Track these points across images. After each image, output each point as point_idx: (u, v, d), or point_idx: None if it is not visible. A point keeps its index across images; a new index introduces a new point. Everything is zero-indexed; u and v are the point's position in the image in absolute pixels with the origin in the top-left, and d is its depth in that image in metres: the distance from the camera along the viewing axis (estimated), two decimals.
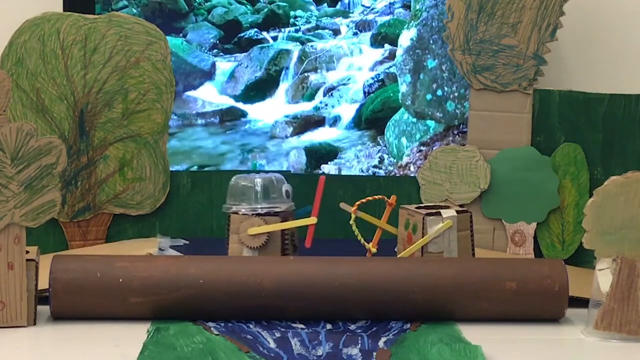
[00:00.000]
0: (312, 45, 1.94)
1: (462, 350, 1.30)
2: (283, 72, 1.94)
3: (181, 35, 1.92)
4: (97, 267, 1.43)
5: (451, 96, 1.91)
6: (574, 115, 1.83)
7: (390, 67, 1.93)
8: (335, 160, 1.94)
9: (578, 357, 1.37)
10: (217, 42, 1.93)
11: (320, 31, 1.94)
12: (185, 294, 1.42)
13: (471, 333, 1.39)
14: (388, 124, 1.93)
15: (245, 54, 1.93)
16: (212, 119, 1.93)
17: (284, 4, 1.93)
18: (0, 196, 1.39)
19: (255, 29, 1.93)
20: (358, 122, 1.94)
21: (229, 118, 1.94)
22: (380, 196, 1.64)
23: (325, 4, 1.94)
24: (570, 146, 1.83)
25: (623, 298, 1.40)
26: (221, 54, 1.93)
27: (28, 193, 1.40)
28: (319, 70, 1.94)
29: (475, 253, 1.62)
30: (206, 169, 1.90)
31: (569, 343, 1.40)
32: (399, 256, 1.58)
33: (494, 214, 1.83)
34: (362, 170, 1.93)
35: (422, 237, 1.55)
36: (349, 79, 1.94)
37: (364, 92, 1.94)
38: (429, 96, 1.92)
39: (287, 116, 1.94)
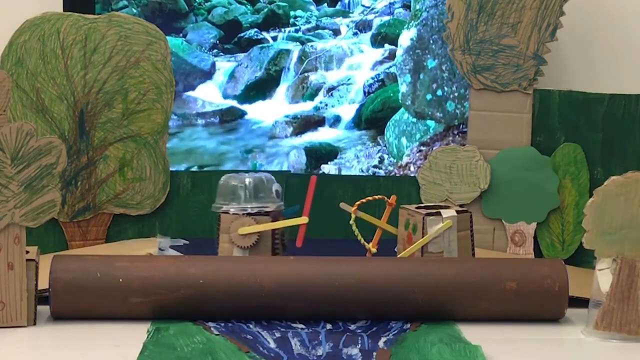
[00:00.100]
0: (312, 45, 1.94)
1: (462, 350, 1.30)
2: (283, 72, 1.94)
3: (181, 35, 1.92)
4: (97, 267, 1.43)
5: (451, 96, 1.91)
6: (574, 115, 1.83)
7: (390, 67, 1.93)
8: (335, 160, 1.94)
9: (578, 357, 1.37)
10: (217, 42, 1.93)
11: (320, 31, 1.94)
12: (185, 294, 1.42)
13: (471, 333, 1.39)
14: (388, 124, 1.93)
15: (245, 54, 1.93)
16: (212, 119, 1.93)
17: (284, 4, 1.93)
18: (0, 196, 1.39)
19: (255, 29, 1.93)
20: (358, 122, 1.94)
21: (229, 118, 1.94)
22: (380, 196, 1.64)
23: (325, 4, 1.94)
24: (570, 146, 1.83)
25: (623, 298, 1.40)
26: (221, 54, 1.93)
27: (28, 193, 1.40)
28: (319, 70, 1.94)
29: (475, 253, 1.62)
30: (206, 169, 1.90)
31: (569, 343, 1.40)
32: (399, 256, 1.58)
33: (494, 214, 1.83)
34: (362, 170, 1.93)
35: (422, 237, 1.55)
36: (349, 79, 1.94)
37: (364, 92, 1.94)
38: (429, 96, 1.92)
39: (287, 116, 1.94)
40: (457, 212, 1.58)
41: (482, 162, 1.82)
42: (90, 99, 1.78)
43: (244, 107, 1.94)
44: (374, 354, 1.30)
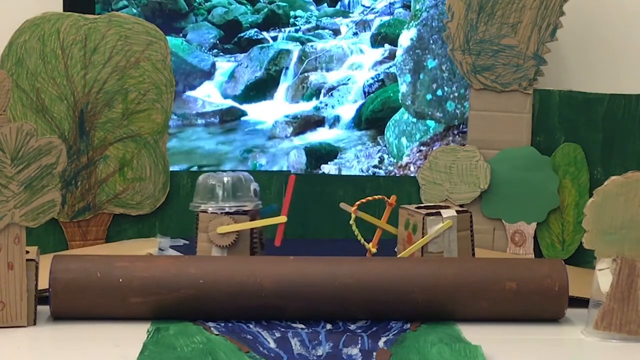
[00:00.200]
0: (312, 45, 1.94)
1: (462, 350, 1.30)
2: (283, 72, 1.94)
3: (181, 35, 1.92)
4: (97, 267, 1.43)
5: (451, 96, 1.91)
6: (574, 115, 1.83)
7: (390, 67, 1.93)
8: (335, 160, 1.94)
9: (578, 357, 1.37)
10: (217, 42, 1.93)
11: (320, 31, 1.94)
12: (185, 294, 1.42)
13: (471, 333, 1.39)
14: (388, 124, 1.93)
15: (245, 54, 1.93)
16: (212, 119, 1.93)
17: (284, 4, 1.93)
18: (0, 196, 1.39)
19: (255, 29, 1.93)
20: (358, 122, 1.94)
21: (229, 118, 1.94)
22: (380, 196, 1.64)
23: (325, 4, 1.94)
24: (570, 146, 1.83)
25: (623, 298, 1.40)
26: (221, 54, 1.93)
27: (28, 193, 1.40)
28: (319, 70, 1.94)
29: (475, 253, 1.62)
30: (206, 169, 1.90)
31: (569, 343, 1.40)
32: (399, 256, 1.58)
33: (494, 214, 1.83)
34: (362, 170, 1.93)
35: (422, 237, 1.55)
36: (349, 79, 1.94)
37: (364, 92, 1.94)
38: (429, 96, 1.92)
39: (287, 116, 1.94)
40: (457, 212, 1.58)
41: (482, 162, 1.82)
42: (90, 99, 1.78)
43: (244, 107, 1.94)
44: (374, 354, 1.30)
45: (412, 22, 1.92)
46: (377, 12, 1.94)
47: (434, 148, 1.88)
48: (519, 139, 1.84)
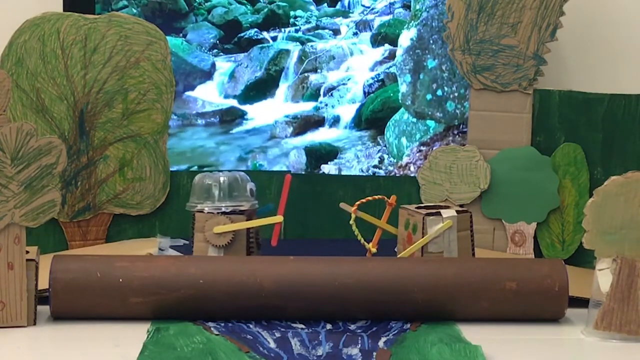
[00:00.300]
0: (312, 45, 1.94)
1: (462, 350, 1.30)
2: (283, 72, 1.94)
3: (181, 35, 1.92)
4: (97, 267, 1.43)
5: (451, 96, 1.91)
6: (574, 115, 1.83)
7: (390, 67, 1.93)
8: (335, 160, 1.94)
9: (578, 357, 1.37)
10: (217, 42, 1.93)
11: (320, 31, 1.94)
12: (185, 294, 1.42)
13: (471, 333, 1.39)
14: (388, 124, 1.93)
15: (245, 54, 1.93)
16: (212, 119, 1.93)
17: (284, 4, 1.93)
18: (0, 196, 1.39)
19: (255, 29, 1.93)
20: (358, 122, 1.94)
21: (229, 118, 1.94)
22: (380, 196, 1.64)
23: (325, 4, 1.94)
24: (570, 146, 1.83)
25: (623, 298, 1.40)
26: (221, 54, 1.93)
27: (28, 193, 1.40)
28: (319, 70, 1.94)
29: (475, 253, 1.62)
30: (206, 169, 1.90)
31: (569, 343, 1.40)
32: (399, 256, 1.58)
33: (494, 214, 1.83)
34: (362, 170, 1.93)
35: (422, 237, 1.55)
36: (349, 79, 1.94)
37: (364, 92, 1.94)
38: (429, 96, 1.92)
39: (287, 116, 1.94)
40: (457, 212, 1.58)
41: (482, 162, 1.82)
42: (90, 99, 1.78)
43: (244, 107, 1.94)
44: (374, 354, 1.30)
45: (412, 22, 1.92)
46: (377, 12, 1.94)
47: (434, 148, 1.88)
48: (519, 139, 1.84)
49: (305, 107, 1.94)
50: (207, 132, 1.93)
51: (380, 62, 1.94)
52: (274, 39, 1.94)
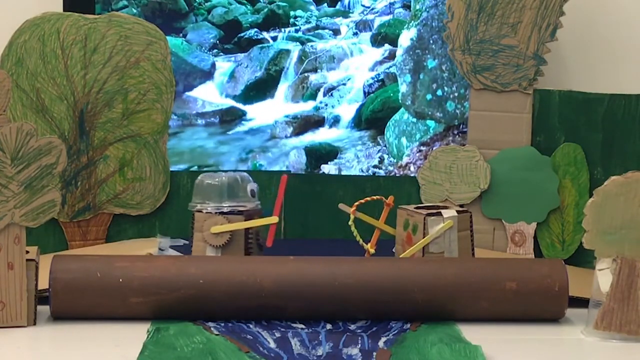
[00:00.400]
0: (312, 45, 1.94)
1: (462, 350, 1.30)
2: (283, 72, 1.94)
3: (181, 35, 1.92)
4: (97, 267, 1.43)
5: (451, 96, 1.91)
6: (574, 115, 1.83)
7: (390, 67, 1.93)
8: (335, 160, 1.94)
9: (578, 357, 1.37)
10: (217, 42, 1.93)
11: (320, 31, 1.94)
12: (185, 294, 1.42)
13: (471, 333, 1.39)
14: (388, 124, 1.93)
15: (245, 54, 1.93)
16: (212, 119, 1.93)
17: (284, 4, 1.93)
18: (0, 196, 1.39)
19: (255, 29, 1.93)
20: (358, 122, 1.94)
21: (229, 118, 1.94)
22: (378, 197, 1.64)
23: (325, 4, 1.94)
24: (570, 146, 1.83)
25: (623, 298, 1.40)
26: (221, 54, 1.93)
27: (28, 193, 1.40)
28: (319, 70, 1.94)
29: (476, 253, 1.62)
30: (206, 169, 1.90)
31: (569, 343, 1.40)
32: (401, 256, 1.58)
33: (494, 214, 1.83)
34: (362, 170, 1.93)
35: (423, 237, 1.55)
36: (349, 79, 1.94)
37: (364, 92, 1.94)
38: (429, 96, 1.92)
39: (287, 116, 1.94)
40: (458, 212, 1.58)
41: (482, 162, 1.82)
42: (90, 99, 1.78)
43: (244, 107, 1.94)
44: (374, 354, 1.30)
45: (412, 22, 1.92)
46: (377, 12, 1.94)
47: (434, 148, 1.88)
48: (519, 139, 1.84)
49: (305, 107, 1.94)
50: (207, 132, 1.93)
51: (380, 62, 1.94)
52: (274, 39, 1.94)
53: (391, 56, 1.93)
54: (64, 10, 1.81)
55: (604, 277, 1.41)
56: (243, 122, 1.93)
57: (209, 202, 1.59)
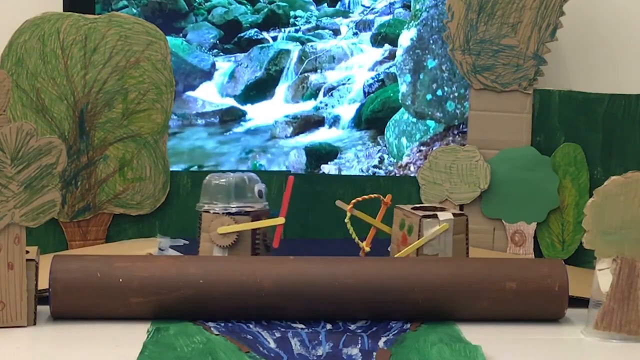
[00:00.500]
0: (312, 45, 1.94)
1: (462, 350, 1.30)
2: (283, 72, 1.94)
3: (181, 35, 1.92)
4: (97, 267, 1.43)
5: (451, 96, 1.91)
6: (574, 115, 1.83)
7: (390, 67, 1.93)
8: (335, 160, 1.94)
9: (578, 357, 1.37)
10: (217, 42, 1.93)
11: (320, 31, 1.94)
12: (185, 294, 1.42)
13: (471, 333, 1.39)
14: (388, 124, 1.93)
15: (245, 54, 1.93)
16: (212, 119, 1.93)
17: (284, 4, 1.93)
18: (0, 196, 1.39)
19: (255, 29, 1.93)
20: (358, 122, 1.94)
21: (229, 118, 1.94)
22: (375, 195, 1.64)
23: (325, 4, 1.94)
24: (570, 146, 1.83)
25: (623, 298, 1.40)
26: (221, 54, 1.93)
27: (28, 193, 1.40)
28: (319, 70, 1.94)
29: (475, 253, 1.62)
30: (206, 169, 1.90)
31: (569, 343, 1.40)
32: (395, 256, 1.57)
33: (494, 214, 1.83)
34: (362, 170, 1.93)
35: (418, 238, 1.55)
36: (349, 79, 1.95)
37: (364, 92, 1.94)
38: (429, 96, 1.92)
39: (287, 116, 1.94)
40: (454, 215, 1.57)
41: (482, 162, 1.82)
42: (90, 99, 1.78)
43: (244, 107, 1.94)
44: (374, 354, 1.30)
45: (412, 22, 1.92)
46: (377, 12, 1.94)
47: (434, 148, 1.88)
48: (519, 139, 1.84)
49: (305, 107, 1.94)
50: (207, 132, 1.93)
51: (380, 62, 1.94)
52: (274, 39, 1.94)
53: (391, 56, 1.93)
54: (64, 10, 1.81)
55: (604, 277, 1.41)
56: (243, 122, 1.93)
57: (216, 203, 1.59)
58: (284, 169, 1.91)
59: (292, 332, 1.38)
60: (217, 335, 1.36)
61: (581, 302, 1.48)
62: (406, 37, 1.92)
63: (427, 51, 1.91)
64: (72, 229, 1.80)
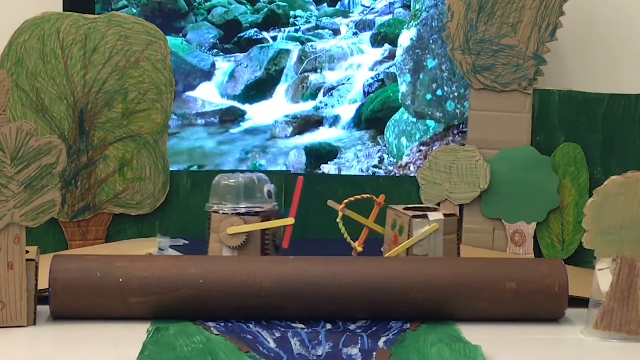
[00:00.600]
0: (312, 45, 1.94)
1: (462, 350, 1.30)
2: (283, 72, 1.94)
3: (181, 35, 1.92)
4: (97, 267, 1.43)
5: (451, 96, 1.91)
6: (574, 115, 1.83)
7: (390, 67, 1.93)
8: (335, 160, 1.94)
9: (578, 357, 1.37)
10: (217, 42, 1.93)
11: (320, 31, 1.94)
12: (185, 294, 1.42)
13: (471, 333, 1.39)
14: (388, 124, 1.93)
15: (245, 54, 1.93)
16: (212, 119, 1.93)
17: (284, 4, 1.93)
18: (0, 196, 1.39)
19: (255, 29, 1.93)
20: (358, 122, 1.94)
21: (229, 118, 1.94)
22: (368, 195, 1.64)
23: (325, 4, 1.94)
24: (570, 146, 1.83)
25: (623, 298, 1.40)
26: (221, 54, 1.93)
27: (28, 193, 1.40)
28: (319, 70, 1.94)
29: (475, 253, 1.61)
30: (206, 169, 1.90)
31: (569, 343, 1.40)
32: (386, 255, 1.57)
33: (494, 214, 1.83)
34: (362, 170, 1.93)
35: (408, 239, 1.55)
36: (349, 79, 1.95)
37: (364, 92, 1.94)
38: (429, 96, 1.92)
39: (287, 116, 1.94)
40: (445, 215, 1.57)
41: (482, 162, 1.82)
42: (90, 99, 1.78)
43: (244, 107, 1.94)
44: (374, 354, 1.30)
45: (412, 22, 1.92)
46: (377, 12, 1.94)
47: (434, 148, 1.88)
48: (519, 139, 1.84)
49: (305, 107, 1.94)
50: (207, 132, 1.93)
51: (380, 62, 1.94)
52: (274, 39, 1.94)
53: (391, 56, 1.93)
54: (64, 10, 1.81)
55: (604, 277, 1.41)
56: (243, 122, 1.93)
57: (225, 203, 1.59)
58: (284, 169, 1.91)
59: (292, 332, 1.38)
60: (217, 335, 1.36)
61: (581, 302, 1.48)
62: (406, 37, 1.92)
63: (427, 51, 1.91)
64: (72, 229, 1.80)
